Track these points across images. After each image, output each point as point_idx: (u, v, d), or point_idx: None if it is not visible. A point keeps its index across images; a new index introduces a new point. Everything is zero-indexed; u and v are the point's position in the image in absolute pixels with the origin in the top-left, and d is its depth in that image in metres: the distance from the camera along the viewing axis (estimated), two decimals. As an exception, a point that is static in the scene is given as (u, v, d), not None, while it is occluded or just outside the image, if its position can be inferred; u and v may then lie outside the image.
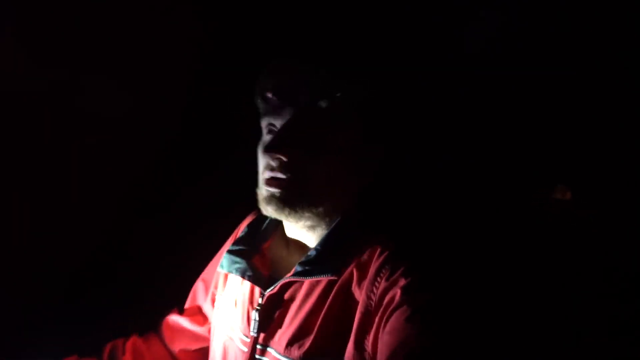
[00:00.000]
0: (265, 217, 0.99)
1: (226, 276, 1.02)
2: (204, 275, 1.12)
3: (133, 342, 1.08)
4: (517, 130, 1.06)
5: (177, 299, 1.14)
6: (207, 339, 1.07)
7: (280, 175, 0.83)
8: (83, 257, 1.17)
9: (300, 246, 0.92)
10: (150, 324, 1.13)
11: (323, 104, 0.83)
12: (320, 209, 0.85)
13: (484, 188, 1.07)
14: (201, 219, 1.22)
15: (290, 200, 0.83)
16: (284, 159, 0.83)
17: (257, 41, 1.15)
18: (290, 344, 0.81)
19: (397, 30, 1.10)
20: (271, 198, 0.84)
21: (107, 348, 1.06)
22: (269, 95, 0.86)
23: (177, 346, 1.10)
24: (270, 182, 0.84)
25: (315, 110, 0.83)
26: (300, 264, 0.84)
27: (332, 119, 0.83)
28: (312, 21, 1.10)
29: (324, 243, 0.85)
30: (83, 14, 1.09)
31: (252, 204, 0.95)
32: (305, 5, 1.13)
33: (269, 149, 0.83)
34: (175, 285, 1.15)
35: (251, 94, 0.92)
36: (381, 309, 0.74)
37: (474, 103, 1.10)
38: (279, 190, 0.83)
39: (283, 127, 0.84)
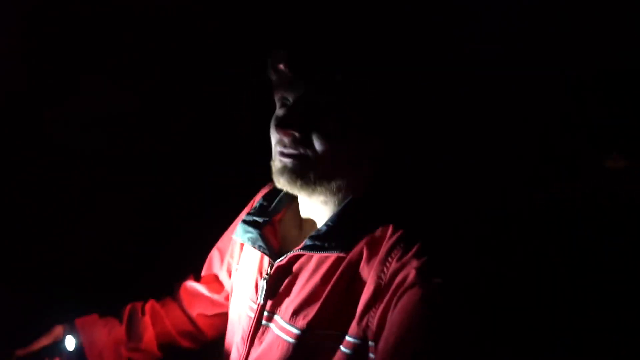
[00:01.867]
0: (280, 190, 0.99)
1: (242, 246, 1.04)
2: (219, 244, 1.15)
3: (152, 304, 1.12)
4: (517, 130, 1.06)
5: (193, 266, 1.16)
6: (223, 306, 1.10)
7: (292, 150, 0.84)
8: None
9: (312, 221, 0.93)
10: (166, 291, 1.17)
11: (336, 79, 0.82)
12: (333, 185, 0.86)
13: (484, 186, 1.07)
14: (218, 196, 1.24)
15: (302, 172, 0.84)
16: (296, 134, 0.83)
17: (257, 40, 1.14)
18: (295, 313, 0.83)
19: (397, 30, 1.10)
20: (283, 169, 0.85)
21: (127, 309, 1.10)
22: (282, 67, 0.85)
23: (195, 310, 1.13)
24: (283, 154, 0.85)
25: (328, 86, 0.82)
26: (310, 238, 0.85)
27: (344, 97, 0.83)
28: (312, 20, 1.10)
29: (335, 219, 0.86)
30: (82, 14, 1.09)
31: (268, 176, 0.94)
32: (308, 3, 1.12)
33: (281, 125, 0.83)
34: (192, 253, 1.17)
35: (263, 70, 0.91)
36: (392, 288, 0.75)
37: (474, 103, 1.10)
38: (291, 161, 0.84)
39: (295, 102, 0.84)
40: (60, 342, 1.01)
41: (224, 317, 1.08)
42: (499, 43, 1.07)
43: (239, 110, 1.23)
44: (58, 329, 1.03)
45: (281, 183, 0.86)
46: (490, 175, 1.07)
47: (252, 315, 0.91)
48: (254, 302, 0.92)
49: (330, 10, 1.09)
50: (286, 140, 0.84)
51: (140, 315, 1.10)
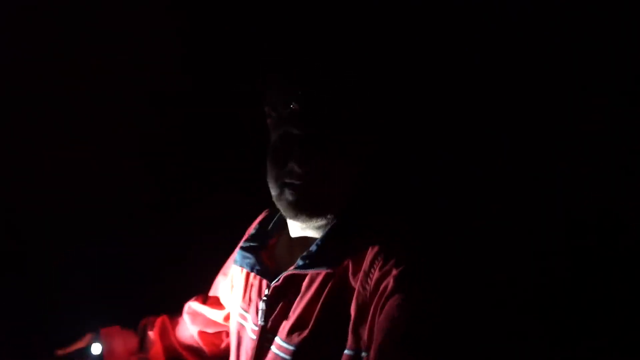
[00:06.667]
0: (274, 216, 1.07)
1: (242, 270, 1.10)
2: (224, 269, 1.23)
3: (162, 319, 1.25)
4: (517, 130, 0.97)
5: (202, 288, 1.27)
6: (222, 325, 1.19)
7: (300, 182, 0.87)
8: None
9: (304, 242, 0.96)
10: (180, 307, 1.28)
11: (342, 114, 0.86)
12: (331, 210, 0.90)
13: (481, 187, 1.02)
14: (223, 220, 1.33)
15: (309, 206, 0.88)
16: (308, 168, 0.86)
17: (260, 40, 1.16)
18: (291, 331, 0.88)
19: (397, 29, 1.03)
20: (290, 203, 0.89)
21: (142, 323, 1.24)
22: (290, 103, 0.88)
23: (197, 327, 1.22)
24: (291, 187, 0.88)
25: (335, 120, 0.86)
26: (302, 257, 0.90)
27: (348, 128, 0.87)
28: (312, 21, 1.09)
29: (324, 238, 0.89)
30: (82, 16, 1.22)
31: (266, 203, 0.99)
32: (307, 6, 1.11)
33: (299, 160, 0.86)
34: (202, 276, 1.28)
35: (260, 100, 0.95)
36: (375, 298, 0.79)
37: (474, 102, 1.03)
38: (300, 196, 0.88)
39: (307, 136, 0.87)
40: (88, 347, 1.17)
41: (223, 335, 1.18)
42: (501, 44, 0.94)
43: (243, 136, 1.27)
44: (89, 336, 1.18)
45: (292, 215, 0.90)
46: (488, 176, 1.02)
47: (255, 337, 0.96)
48: (255, 324, 0.97)
49: (332, 43, 1.06)
50: (299, 171, 0.87)
51: (150, 329, 1.22)
